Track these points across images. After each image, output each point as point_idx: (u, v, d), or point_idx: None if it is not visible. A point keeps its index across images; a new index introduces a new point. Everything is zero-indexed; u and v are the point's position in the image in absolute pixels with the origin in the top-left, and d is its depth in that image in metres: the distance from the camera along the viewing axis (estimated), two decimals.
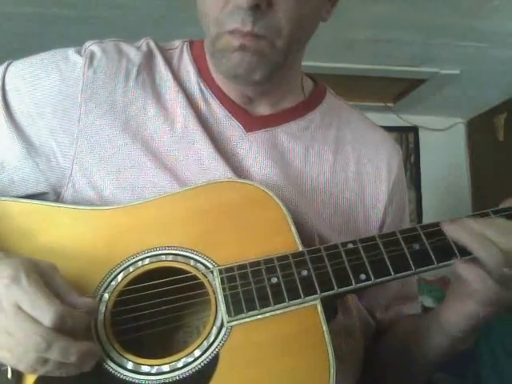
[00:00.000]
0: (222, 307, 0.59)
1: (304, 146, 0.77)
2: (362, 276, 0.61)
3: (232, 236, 0.64)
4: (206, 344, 0.58)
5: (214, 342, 0.58)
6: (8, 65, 0.72)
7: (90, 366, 0.55)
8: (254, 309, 0.59)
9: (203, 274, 0.62)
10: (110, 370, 0.57)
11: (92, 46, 0.74)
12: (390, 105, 2.72)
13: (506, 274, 0.58)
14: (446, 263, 0.62)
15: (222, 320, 0.59)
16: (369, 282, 0.61)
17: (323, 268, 0.61)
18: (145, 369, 0.57)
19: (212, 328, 0.58)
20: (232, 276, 0.60)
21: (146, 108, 0.72)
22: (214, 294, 0.60)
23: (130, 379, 0.56)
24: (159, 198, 0.67)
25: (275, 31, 0.65)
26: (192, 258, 0.63)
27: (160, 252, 0.64)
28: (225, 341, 0.58)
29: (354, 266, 0.61)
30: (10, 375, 0.55)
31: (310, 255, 0.62)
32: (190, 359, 0.57)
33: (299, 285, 0.60)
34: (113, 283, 0.62)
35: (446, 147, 2.92)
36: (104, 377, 0.56)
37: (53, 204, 0.68)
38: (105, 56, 0.73)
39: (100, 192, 0.69)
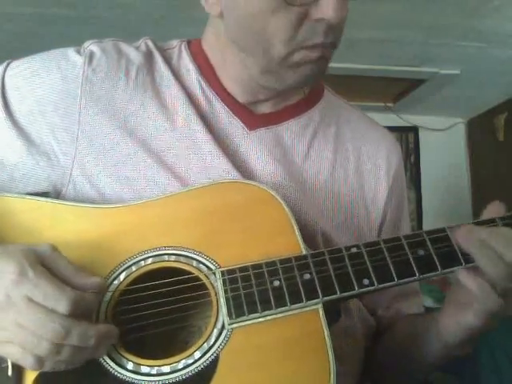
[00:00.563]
0: (224, 309, 0.59)
1: (305, 144, 0.77)
2: (365, 281, 0.60)
3: (235, 237, 0.64)
4: (206, 346, 0.57)
5: (214, 344, 0.57)
6: (7, 64, 0.72)
7: (104, 351, 0.56)
8: (255, 312, 0.58)
9: (205, 275, 0.62)
10: (111, 369, 0.57)
11: (91, 46, 0.74)
12: (389, 105, 2.72)
13: (509, 288, 0.58)
14: (450, 270, 0.62)
15: (223, 322, 0.58)
16: (372, 288, 0.60)
17: (326, 272, 0.60)
18: (145, 369, 0.57)
19: (213, 330, 0.58)
20: (234, 278, 0.60)
21: (146, 107, 0.72)
22: (216, 295, 0.60)
23: (130, 380, 0.56)
24: (163, 198, 0.67)
25: (339, 34, 0.68)
26: (194, 259, 0.63)
27: (163, 252, 0.63)
28: (225, 343, 0.57)
29: (358, 270, 0.61)
30: (10, 373, 0.55)
31: (313, 258, 0.61)
32: (190, 361, 0.57)
33: (301, 288, 0.59)
34: (115, 282, 0.62)
35: (446, 147, 2.92)
36: (104, 377, 0.56)
37: (56, 201, 0.68)
38: (104, 55, 0.73)
39: (100, 190, 0.69)
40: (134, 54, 0.75)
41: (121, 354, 0.58)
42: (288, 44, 0.65)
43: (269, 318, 0.58)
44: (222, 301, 0.59)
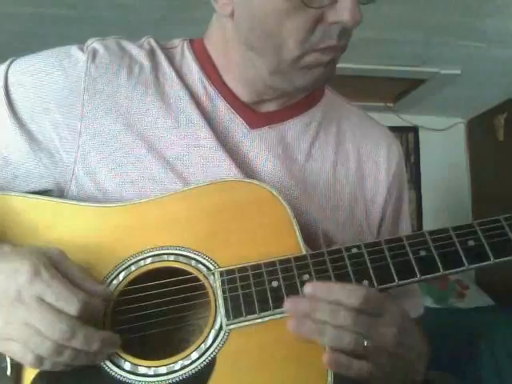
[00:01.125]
0: (222, 310, 0.59)
1: (307, 142, 0.78)
2: (365, 282, 0.60)
3: (235, 237, 0.64)
4: (203, 347, 0.57)
5: (211, 345, 0.57)
6: (11, 62, 0.73)
7: (104, 357, 0.57)
8: (253, 313, 0.58)
9: (204, 275, 0.61)
10: (108, 370, 0.57)
11: (94, 44, 0.74)
12: (390, 105, 2.72)
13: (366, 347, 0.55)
14: (452, 271, 0.61)
15: (221, 323, 0.58)
16: None
17: (325, 272, 0.60)
18: (142, 370, 0.57)
19: (210, 331, 0.58)
20: (233, 278, 0.60)
21: (149, 104, 0.72)
22: (214, 296, 0.60)
23: (127, 380, 0.56)
24: (163, 197, 0.67)
25: (349, 37, 0.69)
26: (194, 259, 0.63)
27: (162, 252, 0.63)
28: (222, 344, 0.57)
29: (357, 271, 0.60)
30: (9, 372, 0.56)
31: (312, 259, 0.61)
32: (188, 362, 0.57)
33: (300, 289, 0.59)
34: (114, 282, 0.62)
35: (446, 147, 2.91)
36: (101, 377, 0.56)
37: (58, 200, 0.68)
38: (107, 53, 0.73)
39: (103, 189, 0.69)
40: (136, 52, 0.75)
41: (118, 355, 0.58)
42: (301, 46, 0.65)
43: (267, 319, 0.58)
44: (220, 301, 0.59)
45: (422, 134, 2.93)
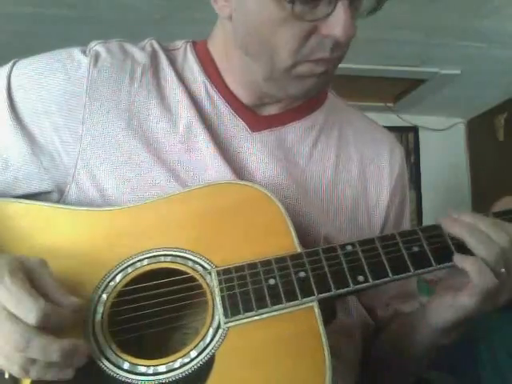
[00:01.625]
0: (219, 308, 0.59)
1: (308, 146, 0.78)
2: (360, 278, 0.61)
3: (231, 238, 0.64)
4: (202, 345, 0.57)
5: (210, 343, 0.58)
6: (14, 64, 0.73)
7: (78, 364, 0.54)
8: (250, 310, 0.58)
9: (201, 275, 0.62)
10: (106, 369, 0.57)
11: (97, 46, 0.74)
12: (390, 105, 2.72)
13: (500, 271, 0.59)
14: (445, 265, 0.62)
15: (219, 321, 0.59)
16: (367, 284, 0.61)
17: (321, 269, 0.61)
18: (141, 369, 0.57)
19: (209, 329, 0.58)
20: (230, 277, 0.60)
21: (150, 108, 0.72)
22: (212, 295, 0.60)
23: (126, 379, 0.56)
24: (159, 200, 0.67)
25: (347, 49, 0.69)
26: (190, 260, 0.63)
27: (158, 253, 0.64)
28: (221, 342, 0.58)
29: (352, 267, 0.61)
30: (7, 375, 0.55)
31: (307, 257, 0.62)
32: (187, 360, 0.57)
33: (296, 286, 0.60)
34: (111, 284, 0.62)
35: (446, 147, 2.91)
36: (100, 377, 0.56)
37: (52, 205, 0.68)
38: (109, 56, 0.73)
39: (103, 191, 0.69)
40: (139, 55, 0.75)
41: (116, 354, 0.58)
42: (293, 55, 0.65)
43: (264, 316, 0.59)
44: (218, 300, 0.59)
45: (421, 134, 2.93)
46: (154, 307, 0.61)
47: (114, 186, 0.69)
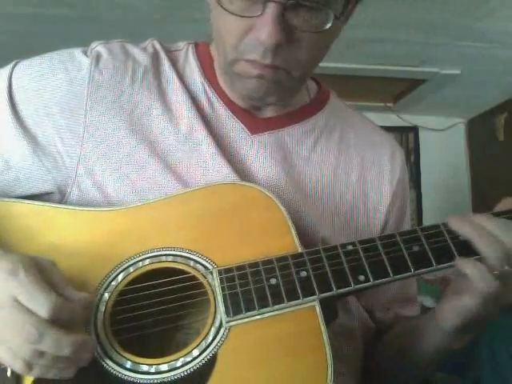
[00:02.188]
0: (221, 307, 0.59)
1: (308, 149, 0.78)
2: (361, 277, 0.61)
3: (232, 238, 0.64)
4: (204, 344, 0.58)
5: (212, 342, 0.58)
6: (15, 64, 0.73)
7: (85, 361, 0.55)
8: (252, 309, 0.59)
9: (203, 274, 0.62)
10: (109, 368, 0.57)
11: (98, 47, 0.74)
12: (389, 105, 2.72)
13: (506, 271, 0.59)
14: (445, 265, 0.62)
15: (221, 320, 0.59)
16: (367, 284, 0.61)
17: (322, 269, 0.61)
18: (143, 368, 0.57)
19: (211, 328, 0.59)
20: (231, 277, 0.61)
21: (152, 109, 0.72)
22: (213, 294, 0.60)
23: (129, 378, 0.56)
24: (160, 200, 0.67)
25: (294, 63, 0.66)
26: (192, 259, 0.63)
27: (160, 253, 0.64)
28: (223, 341, 0.58)
29: (353, 267, 0.61)
30: (9, 373, 0.56)
31: (309, 256, 0.62)
32: (189, 359, 0.57)
33: (298, 286, 0.60)
34: (113, 283, 0.62)
35: (445, 147, 2.91)
36: (103, 376, 0.57)
37: (54, 205, 0.68)
38: (111, 57, 0.73)
39: (104, 192, 0.70)
40: (140, 56, 0.75)
41: (119, 353, 0.58)
42: (233, 51, 0.65)
43: (266, 315, 0.59)
44: (220, 299, 0.60)
45: (421, 134, 2.92)
46: (155, 306, 0.61)
47: (116, 187, 0.69)
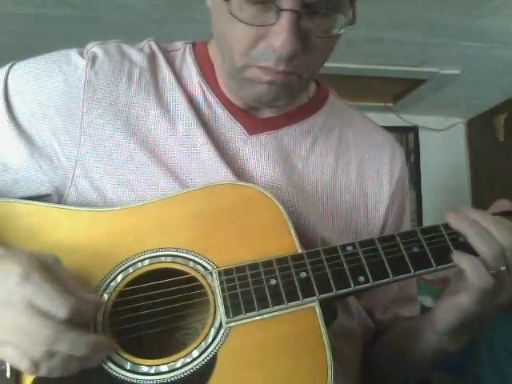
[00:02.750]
0: (221, 308, 0.59)
1: (306, 149, 0.77)
2: (361, 278, 0.61)
3: (232, 238, 0.64)
4: (204, 345, 0.58)
5: (212, 342, 0.58)
6: (11, 66, 0.72)
7: (98, 361, 0.56)
8: (252, 310, 0.59)
9: (202, 275, 0.62)
10: (109, 370, 0.57)
11: (94, 48, 0.73)
12: (389, 105, 2.72)
13: (501, 270, 0.59)
14: (445, 266, 0.62)
15: (221, 321, 0.59)
16: (367, 285, 0.61)
17: (322, 270, 0.61)
18: (143, 369, 0.57)
19: (210, 329, 0.59)
20: (231, 278, 0.61)
21: (148, 110, 0.72)
22: (213, 295, 0.60)
23: (129, 379, 0.56)
24: (159, 200, 0.67)
25: (306, 67, 0.66)
26: (191, 260, 0.63)
27: (159, 253, 0.64)
28: (223, 342, 0.58)
29: (353, 268, 0.61)
30: (8, 374, 0.56)
31: (308, 257, 0.62)
32: (189, 360, 0.57)
33: (298, 287, 0.60)
34: (112, 284, 0.62)
35: (446, 147, 2.91)
36: (102, 377, 0.57)
37: (55, 205, 0.68)
38: (107, 58, 0.73)
39: (102, 194, 0.69)
40: (137, 57, 0.75)
41: (119, 354, 0.58)
42: (243, 57, 0.65)
43: (266, 316, 0.59)
44: (219, 300, 0.60)
45: (421, 134, 2.93)
46: (154, 307, 0.61)
47: (114, 188, 0.69)
